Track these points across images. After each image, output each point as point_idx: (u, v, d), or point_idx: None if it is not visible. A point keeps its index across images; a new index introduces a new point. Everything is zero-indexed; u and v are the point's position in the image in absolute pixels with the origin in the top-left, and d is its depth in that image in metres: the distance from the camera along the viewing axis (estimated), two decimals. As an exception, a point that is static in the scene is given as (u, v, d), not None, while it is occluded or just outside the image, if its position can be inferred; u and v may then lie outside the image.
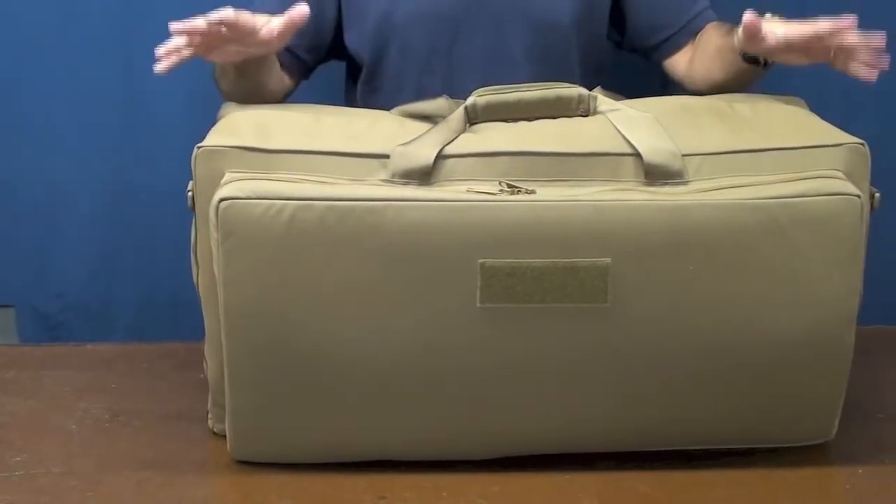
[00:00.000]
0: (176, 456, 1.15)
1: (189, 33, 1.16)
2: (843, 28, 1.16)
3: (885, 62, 1.17)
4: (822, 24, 1.16)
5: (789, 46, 1.18)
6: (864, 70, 1.18)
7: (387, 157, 1.07)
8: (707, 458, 1.14)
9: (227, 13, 1.15)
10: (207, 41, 1.17)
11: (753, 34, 1.18)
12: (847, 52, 1.18)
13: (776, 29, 1.18)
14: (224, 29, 1.16)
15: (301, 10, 1.19)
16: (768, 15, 1.24)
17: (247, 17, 1.17)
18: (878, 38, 1.16)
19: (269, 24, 1.19)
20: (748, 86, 1.33)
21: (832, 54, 1.18)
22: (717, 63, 1.36)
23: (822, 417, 1.14)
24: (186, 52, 1.17)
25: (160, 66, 1.17)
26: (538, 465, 1.13)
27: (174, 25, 1.15)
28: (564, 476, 1.12)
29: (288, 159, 1.08)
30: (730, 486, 1.11)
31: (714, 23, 1.48)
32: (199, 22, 1.15)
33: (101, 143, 1.75)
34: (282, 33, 1.19)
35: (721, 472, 1.13)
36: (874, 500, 1.10)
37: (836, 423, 1.15)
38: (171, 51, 1.16)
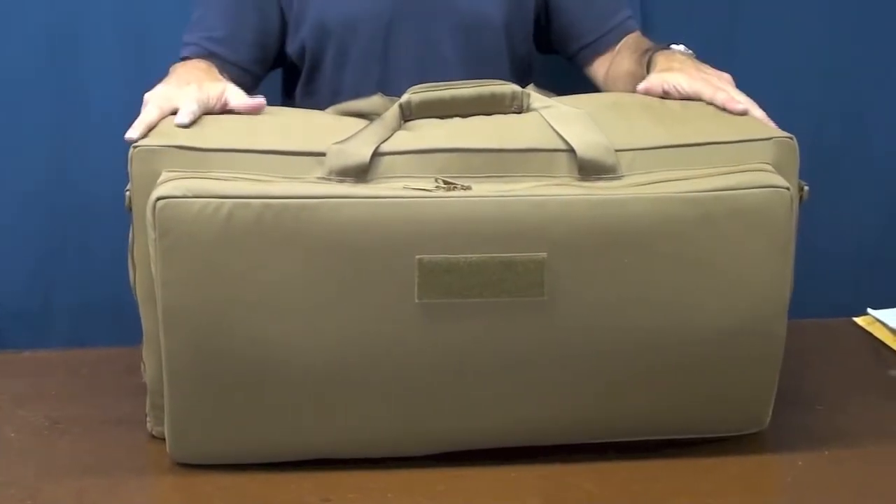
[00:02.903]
0: (117, 462, 1.14)
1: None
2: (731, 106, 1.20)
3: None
4: (719, 97, 1.21)
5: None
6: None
7: (323, 154, 1.08)
8: (648, 449, 1.15)
9: (195, 112, 1.14)
10: None
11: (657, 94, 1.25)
12: None
13: (679, 86, 1.24)
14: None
15: (262, 105, 1.19)
16: (681, 48, 1.29)
17: (208, 106, 1.17)
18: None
19: (223, 101, 1.19)
20: None
21: None
22: (628, 85, 1.40)
23: (756, 407, 1.16)
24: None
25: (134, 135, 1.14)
26: (483, 461, 1.13)
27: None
28: (510, 473, 1.12)
29: (224, 158, 1.08)
30: (672, 479, 1.12)
31: (634, 38, 1.52)
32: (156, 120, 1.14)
33: (36, 147, 1.73)
34: (234, 109, 1.19)
35: (662, 464, 1.14)
36: (814, 491, 1.11)
37: (770, 412, 1.17)
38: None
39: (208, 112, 1.16)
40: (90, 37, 1.65)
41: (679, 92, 1.24)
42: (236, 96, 1.19)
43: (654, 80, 1.27)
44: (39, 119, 1.72)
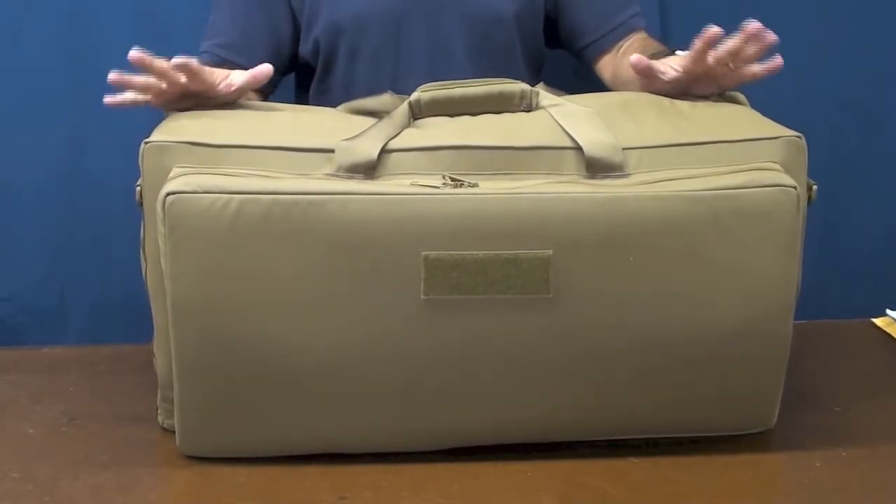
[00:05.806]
0: (133, 459, 1.15)
1: (147, 69, 1.14)
2: (714, 36, 1.17)
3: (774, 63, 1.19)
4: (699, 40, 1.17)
5: (688, 74, 1.20)
6: (760, 67, 1.19)
7: (332, 151, 1.08)
8: (664, 449, 1.15)
9: (190, 61, 1.13)
10: (165, 92, 1.16)
11: (646, 74, 1.22)
12: (741, 58, 1.19)
13: (671, 64, 1.21)
14: (184, 78, 1.14)
15: (265, 69, 1.18)
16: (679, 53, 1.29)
17: (206, 73, 1.16)
18: (769, 36, 1.17)
19: (228, 80, 1.18)
20: None
21: (733, 67, 1.20)
22: (635, 86, 1.38)
23: (763, 406, 1.16)
24: (140, 98, 1.16)
25: (110, 99, 1.15)
26: (498, 459, 1.13)
27: (134, 56, 1.13)
28: (525, 472, 1.12)
29: (235, 154, 1.09)
30: (688, 479, 1.11)
31: (640, 39, 1.52)
32: (161, 62, 1.13)
33: (51, 145, 1.75)
34: (241, 88, 1.18)
35: (678, 463, 1.13)
36: (831, 491, 1.10)
37: (776, 411, 1.16)
38: (124, 83, 1.14)
39: (213, 90, 1.16)
40: (106, 32, 1.65)
41: (672, 69, 1.21)
42: (239, 76, 1.18)
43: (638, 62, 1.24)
44: (55, 116, 1.73)
